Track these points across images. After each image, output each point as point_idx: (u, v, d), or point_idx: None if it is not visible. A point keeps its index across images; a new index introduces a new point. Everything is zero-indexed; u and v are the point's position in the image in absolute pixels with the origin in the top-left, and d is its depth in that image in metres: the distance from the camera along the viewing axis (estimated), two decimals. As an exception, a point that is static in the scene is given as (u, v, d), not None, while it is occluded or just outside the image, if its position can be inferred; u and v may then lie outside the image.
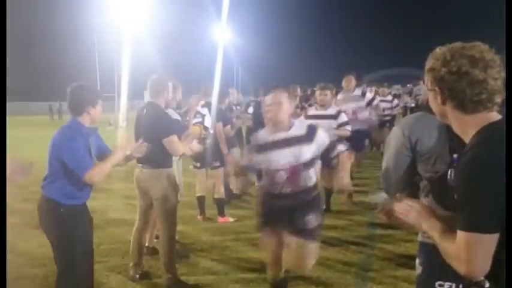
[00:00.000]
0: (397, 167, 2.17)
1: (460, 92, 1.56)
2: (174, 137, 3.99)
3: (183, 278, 4.29)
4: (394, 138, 2.19)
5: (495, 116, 1.58)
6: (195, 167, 6.33)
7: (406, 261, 4.49)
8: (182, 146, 4.11)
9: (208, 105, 6.22)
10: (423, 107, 2.22)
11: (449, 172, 1.73)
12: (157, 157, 3.97)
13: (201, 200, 6.39)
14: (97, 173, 3.10)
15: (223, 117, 6.30)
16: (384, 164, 2.26)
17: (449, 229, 1.57)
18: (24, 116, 39.98)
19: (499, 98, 1.57)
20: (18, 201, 7.27)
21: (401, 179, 2.17)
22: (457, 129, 1.65)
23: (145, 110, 4.15)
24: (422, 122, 2.07)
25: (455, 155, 1.84)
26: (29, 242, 5.34)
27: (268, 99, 3.32)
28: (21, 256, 4.96)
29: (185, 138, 4.23)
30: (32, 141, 16.34)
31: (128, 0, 30.31)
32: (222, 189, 6.32)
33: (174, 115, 4.68)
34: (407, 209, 1.71)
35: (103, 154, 3.34)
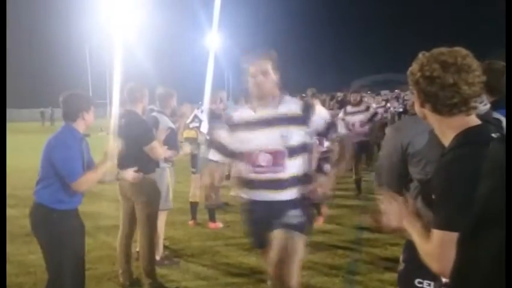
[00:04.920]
0: (389, 167, 2.21)
1: (433, 95, 1.63)
2: (155, 143, 4.17)
3: (173, 284, 4.33)
4: (388, 140, 2.25)
5: (474, 120, 1.64)
6: (192, 172, 6.39)
7: (393, 264, 4.52)
8: (164, 151, 4.32)
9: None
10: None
11: None
12: (138, 164, 3.98)
13: (194, 205, 6.44)
14: (86, 182, 3.13)
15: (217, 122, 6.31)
16: (379, 161, 2.34)
17: (429, 229, 1.62)
18: (16, 123, 39.68)
19: (474, 103, 1.62)
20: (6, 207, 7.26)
21: (393, 179, 2.21)
22: (437, 131, 1.71)
23: (123, 119, 4.19)
24: (415, 125, 2.09)
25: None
26: (18, 250, 5.36)
27: (252, 69, 2.84)
28: (9, 264, 4.96)
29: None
30: (23, 148, 16.29)
31: (119, 8, 30.29)
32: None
33: (169, 123, 4.75)
34: (391, 202, 1.76)
35: (88, 164, 3.32)
